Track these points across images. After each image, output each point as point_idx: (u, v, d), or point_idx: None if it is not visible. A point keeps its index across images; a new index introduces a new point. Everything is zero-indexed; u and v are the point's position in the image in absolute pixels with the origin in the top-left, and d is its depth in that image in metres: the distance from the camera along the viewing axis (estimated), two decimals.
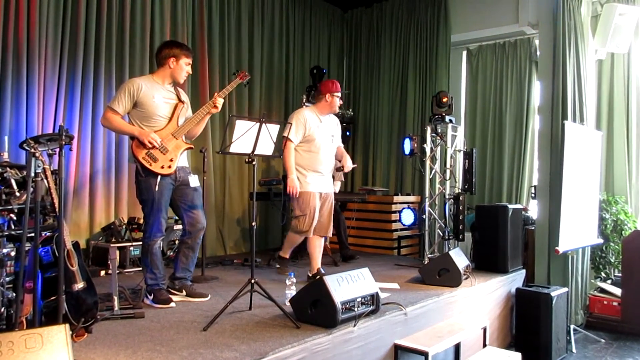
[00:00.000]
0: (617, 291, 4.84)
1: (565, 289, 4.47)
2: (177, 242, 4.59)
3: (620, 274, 4.95)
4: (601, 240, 5.01)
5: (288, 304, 3.09)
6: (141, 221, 4.30)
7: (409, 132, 6.41)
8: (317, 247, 4.17)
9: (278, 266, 4.26)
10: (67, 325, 1.95)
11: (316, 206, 4.03)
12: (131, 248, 4.40)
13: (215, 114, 3.56)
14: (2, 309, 2.60)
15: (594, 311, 4.94)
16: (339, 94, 4.20)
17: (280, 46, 6.51)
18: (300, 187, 4.00)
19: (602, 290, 5.01)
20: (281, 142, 3.92)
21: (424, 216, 5.32)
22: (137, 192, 3.32)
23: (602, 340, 4.56)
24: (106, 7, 4.64)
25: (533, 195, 5.47)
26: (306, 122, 4.04)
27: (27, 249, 2.55)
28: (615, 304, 4.81)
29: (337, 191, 5.55)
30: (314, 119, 4.10)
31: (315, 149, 4.06)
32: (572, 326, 4.58)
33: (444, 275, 4.01)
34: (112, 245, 4.27)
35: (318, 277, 4.01)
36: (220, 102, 3.40)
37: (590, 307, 4.97)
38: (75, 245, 2.66)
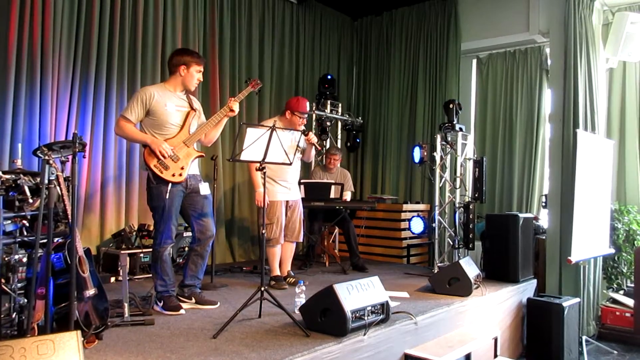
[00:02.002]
0: (630, 302, 4.78)
1: (577, 300, 4.42)
2: (186, 249, 4.61)
3: (632, 285, 4.89)
4: (613, 250, 4.96)
5: (298, 312, 3.09)
6: (151, 228, 4.30)
7: (419, 140, 6.38)
8: (288, 251, 4.40)
9: (273, 282, 4.23)
10: (79, 332, 1.96)
11: (282, 214, 4.21)
12: (141, 255, 4.41)
13: (226, 122, 3.58)
14: (14, 315, 2.61)
15: (606, 322, 4.87)
16: (301, 114, 4.17)
17: (290, 54, 6.55)
18: (270, 196, 4.11)
19: (615, 301, 4.95)
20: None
21: (433, 224, 5.30)
22: (148, 199, 3.34)
23: (615, 352, 4.50)
24: (119, 16, 4.69)
25: (544, 204, 5.43)
26: None
27: (39, 255, 2.56)
28: (627, 315, 4.74)
29: (348, 199, 5.55)
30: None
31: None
32: (584, 337, 4.52)
33: (454, 285, 3.98)
34: (122, 252, 4.30)
35: (287, 279, 4.25)
36: (236, 106, 3.43)
37: (603, 318, 4.90)
38: (87, 251, 2.67)
